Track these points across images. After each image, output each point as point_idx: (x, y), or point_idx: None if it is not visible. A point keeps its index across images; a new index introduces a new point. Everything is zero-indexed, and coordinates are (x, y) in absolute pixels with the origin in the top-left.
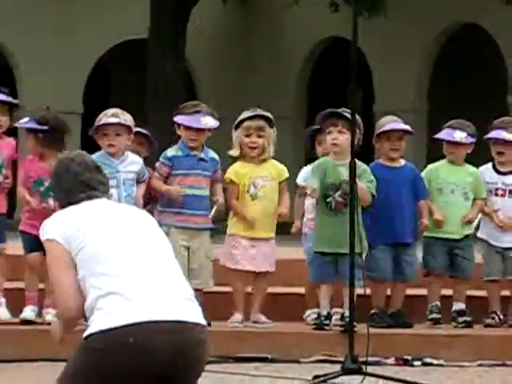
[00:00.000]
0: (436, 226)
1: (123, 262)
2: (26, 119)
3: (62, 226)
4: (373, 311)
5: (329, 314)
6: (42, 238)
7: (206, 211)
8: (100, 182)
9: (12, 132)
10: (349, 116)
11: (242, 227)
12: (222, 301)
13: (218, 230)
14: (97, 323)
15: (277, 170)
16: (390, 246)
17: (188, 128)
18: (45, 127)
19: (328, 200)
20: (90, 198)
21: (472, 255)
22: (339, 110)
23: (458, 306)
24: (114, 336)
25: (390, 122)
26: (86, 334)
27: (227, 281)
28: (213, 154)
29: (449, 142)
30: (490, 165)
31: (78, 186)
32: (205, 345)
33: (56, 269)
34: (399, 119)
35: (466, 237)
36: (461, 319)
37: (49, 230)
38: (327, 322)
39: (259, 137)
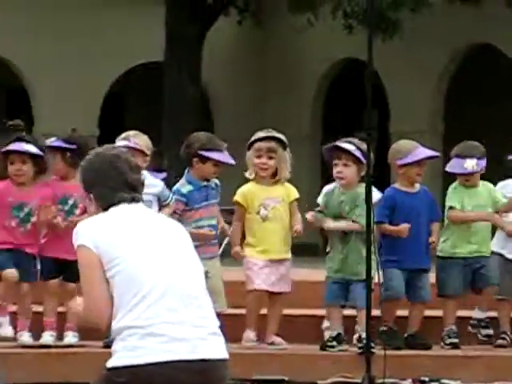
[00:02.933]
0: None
1: (155, 291)
2: (53, 139)
3: (96, 236)
4: (382, 329)
5: (339, 334)
6: (75, 242)
7: (217, 238)
8: (142, 184)
9: None
10: (352, 149)
11: (255, 250)
12: (237, 323)
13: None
14: (122, 357)
15: (287, 190)
16: (405, 271)
17: (217, 164)
18: (73, 146)
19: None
20: (132, 200)
21: (494, 266)
22: (342, 143)
23: (478, 314)
24: (138, 373)
25: (415, 147)
26: (110, 364)
27: (240, 303)
28: (216, 180)
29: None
30: (510, 180)
31: (123, 185)
32: (225, 379)
33: (91, 278)
34: (416, 142)
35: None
36: (483, 332)
37: (83, 235)
38: (334, 343)
39: (270, 158)
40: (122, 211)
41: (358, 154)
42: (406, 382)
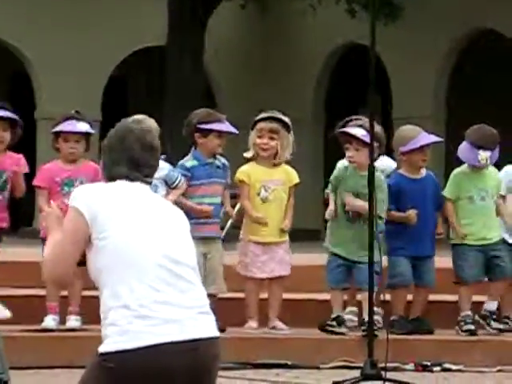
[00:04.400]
0: None
1: (145, 270)
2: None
3: (92, 203)
4: (393, 317)
5: (338, 316)
6: (70, 203)
7: (219, 219)
8: (151, 166)
9: (29, 146)
10: (361, 135)
11: (254, 231)
12: (237, 307)
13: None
14: (113, 342)
15: (288, 174)
16: (410, 258)
17: (221, 135)
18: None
19: (346, 208)
20: (134, 178)
21: (508, 256)
22: (352, 127)
23: (490, 305)
24: (130, 358)
25: (418, 133)
26: (101, 350)
27: (241, 287)
28: (224, 160)
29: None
30: None
31: (126, 161)
32: (218, 357)
33: (68, 239)
34: (420, 128)
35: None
36: (494, 325)
37: (80, 199)
38: (334, 324)
39: (271, 139)
40: (121, 186)
41: (366, 139)
42: (409, 366)
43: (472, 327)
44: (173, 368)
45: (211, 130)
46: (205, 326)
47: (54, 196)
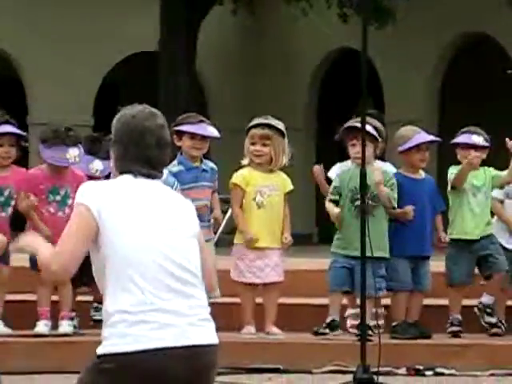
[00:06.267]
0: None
1: (148, 276)
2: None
3: (102, 201)
4: (394, 323)
5: (333, 321)
6: (78, 199)
7: (208, 222)
8: (161, 163)
9: (21, 151)
10: (369, 129)
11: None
12: (232, 311)
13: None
14: (111, 344)
15: (283, 181)
16: (410, 258)
17: (193, 137)
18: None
19: (356, 204)
20: (145, 175)
21: (499, 250)
22: (358, 123)
23: (486, 299)
24: (128, 361)
25: (416, 133)
26: (99, 351)
27: (234, 292)
28: (212, 165)
29: (467, 145)
30: None
31: (138, 159)
32: (216, 364)
33: (75, 236)
34: (418, 128)
35: (488, 236)
36: (487, 318)
37: (89, 196)
38: (326, 330)
39: (264, 145)
40: (131, 183)
41: (374, 132)
42: (401, 370)
43: (457, 329)
44: (170, 373)
45: (184, 132)
46: (205, 333)
47: (39, 203)
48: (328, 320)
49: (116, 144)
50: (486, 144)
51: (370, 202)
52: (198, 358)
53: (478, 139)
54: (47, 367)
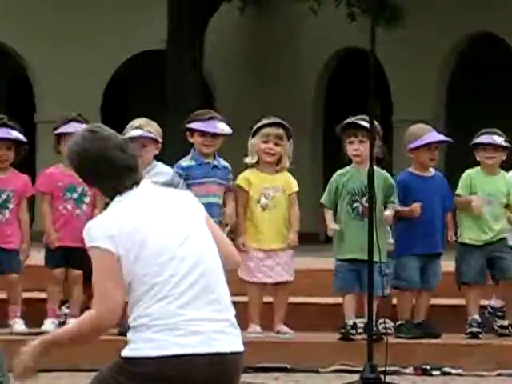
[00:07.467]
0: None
1: (173, 285)
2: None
3: (111, 230)
4: (399, 322)
5: (355, 324)
6: (88, 243)
7: (218, 218)
8: (135, 164)
9: (29, 149)
10: (367, 125)
11: (255, 238)
12: (238, 310)
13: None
14: (137, 348)
15: (288, 181)
16: (419, 256)
17: (203, 134)
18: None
19: (354, 206)
20: (137, 183)
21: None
22: (358, 121)
23: (495, 303)
24: (152, 365)
25: (426, 131)
26: (124, 354)
27: (244, 291)
28: (225, 163)
29: (489, 145)
30: None
31: (121, 172)
32: (239, 372)
33: (107, 282)
34: (430, 126)
35: (502, 239)
36: (499, 322)
37: (96, 235)
38: (353, 331)
39: (276, 145)
40: (132, 200)
41: (379, 130)
42: (408, 369)
43: (476, 329)
44: (192, 379)
45: (195, 130)
46: (231, 340)
47: (56, 201)
48: (350, 322)
49: (88, 177)
50: (508, 145)
51: (368, 204)
52: (221, 366)
53: (500, 139)
54: (56, 365)
